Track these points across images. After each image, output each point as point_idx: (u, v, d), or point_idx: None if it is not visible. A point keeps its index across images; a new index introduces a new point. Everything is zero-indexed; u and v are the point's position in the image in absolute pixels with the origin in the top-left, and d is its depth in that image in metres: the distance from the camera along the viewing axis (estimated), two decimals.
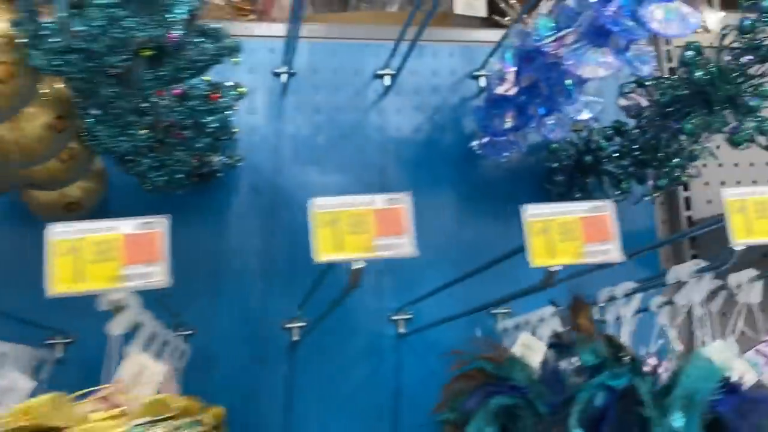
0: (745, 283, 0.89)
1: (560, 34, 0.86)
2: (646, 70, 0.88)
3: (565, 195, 1.23)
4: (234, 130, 0.98)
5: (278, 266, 1.18)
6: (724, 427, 0.71)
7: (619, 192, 1.16)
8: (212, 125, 0.88)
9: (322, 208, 0.67)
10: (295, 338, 1.16)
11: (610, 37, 0.84)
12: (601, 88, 1.12)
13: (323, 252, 0.66)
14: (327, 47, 1.27)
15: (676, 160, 1.02)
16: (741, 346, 0.95)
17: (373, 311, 1.21)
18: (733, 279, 0.91)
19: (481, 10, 1.36)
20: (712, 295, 0.97)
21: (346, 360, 1.18)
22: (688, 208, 1.33)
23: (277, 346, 1.15)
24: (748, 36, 0.82)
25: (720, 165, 1.38)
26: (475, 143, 1.17)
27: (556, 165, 1.21)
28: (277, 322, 1.15)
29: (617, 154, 1.11)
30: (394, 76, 1.23)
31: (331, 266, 0.69)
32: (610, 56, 0.85)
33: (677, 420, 0.68)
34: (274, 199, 1.19)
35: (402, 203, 0.69)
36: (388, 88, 1.26)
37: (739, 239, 0.71)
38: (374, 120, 1.26)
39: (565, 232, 0.72)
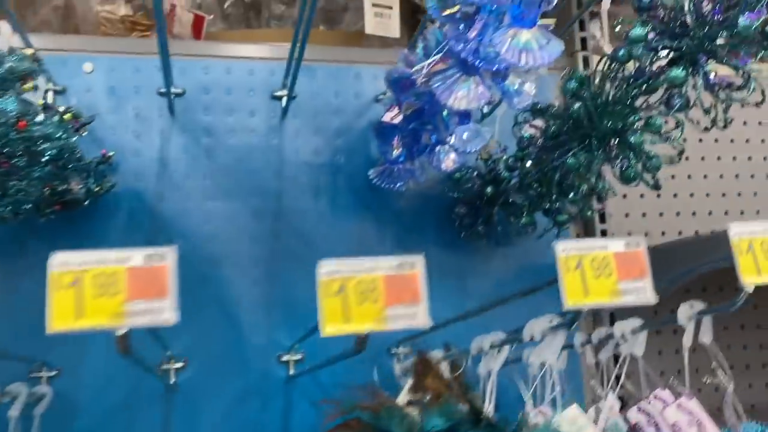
0: (629, 333, 0.82)
1: (429, 60, 0.79)
2: (521, 102, 0.80)
3: (469, 226, 1.16)
4: (78, 156, 0.90)
5: None
6: None
7: (522, 225, 1.09)
8: (48, 152, 0.80)
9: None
10: (172, 380, 1.07)
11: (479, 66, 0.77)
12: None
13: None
14: (222, 66, 1.19)
15: (571, 195, 0.94)
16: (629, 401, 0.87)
17: (261, 350, 1.12)
18: (618, 328, 0.84)
19: (394, 31, 1.28)
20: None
21: (229, 403, 1.10)
22: None
23: (152, 389, 1.06)
24: (624, 66, 0.74)
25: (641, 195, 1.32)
26: (371, 171, 1.09)
27: (459, 195, 1.14)
28: (153, 362, 1.06)
29: (519, 186, 1.04)
30: (290, 98, 1.15)
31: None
32: (481, 86, 0.78)
33: None
34: (154, 226, 1.11)
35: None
36: (285, 110, 1.18)
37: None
38: (270, 143, 1.18)
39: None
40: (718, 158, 1.37)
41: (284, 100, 1.17)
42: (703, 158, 1.37)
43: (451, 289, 1.18)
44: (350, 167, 1.20)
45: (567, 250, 0.63)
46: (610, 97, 0.78)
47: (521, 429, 0.68)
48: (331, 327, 0.59)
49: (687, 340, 0.74)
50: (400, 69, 0.85)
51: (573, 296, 0.62)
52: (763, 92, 0.68)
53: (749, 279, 0.60)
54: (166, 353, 1.06)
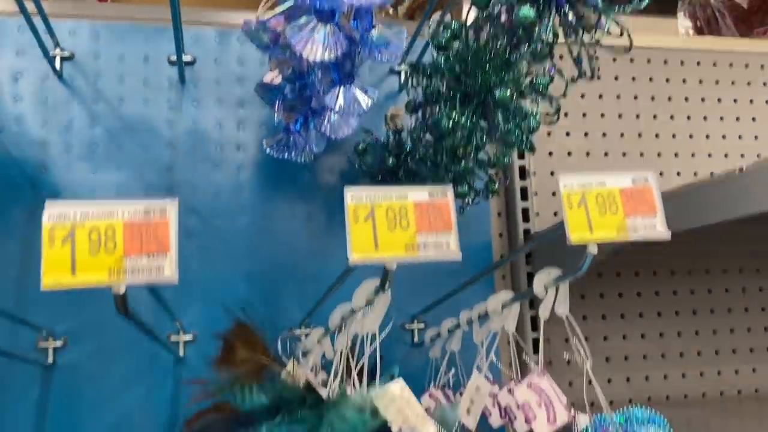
0: (499, 309, 0.75)
1: (282, 7, 0.72)
2: (389, 55, 0.73)
3: None
4: None
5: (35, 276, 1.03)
6: None
7: None
8: None
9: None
10: (50, 361, 1.00)
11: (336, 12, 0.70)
12: None
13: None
14: (114, 29, 1.12)
15: (463, 165, 0.87)
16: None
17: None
18: (491, 304, 0.77)
19: None
20: None
21: (114, 386, 1.03)
22: (525, 219, 1.18)
23: (26, 370, 1.00)
24: (487, 13, 0.67)
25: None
26: (265, 141, 1.02)
27: (364, 167, 1.07)
28: (29, 341, 1.00)
29: (417, 156, 0.97)
30: (183, 64, 1.08)
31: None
32: (340, 35, 0.71)
33: None
34: (37, 199, 1.04)
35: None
36: (182, 77, 1.11)
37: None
38: (164, 113, 1.11)
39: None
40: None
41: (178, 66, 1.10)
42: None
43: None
44: (252, 138, 1.13)
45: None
46: (484, 49, 0.71)
47: (338, 403, 0.61)
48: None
49: (544, 312, 0.68)
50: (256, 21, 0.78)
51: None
52: (629, 35, 0.61)
53: (577, 236, 0.53)
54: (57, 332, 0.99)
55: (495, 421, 0.81)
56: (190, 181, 1.10)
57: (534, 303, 1.13)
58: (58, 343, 1.02)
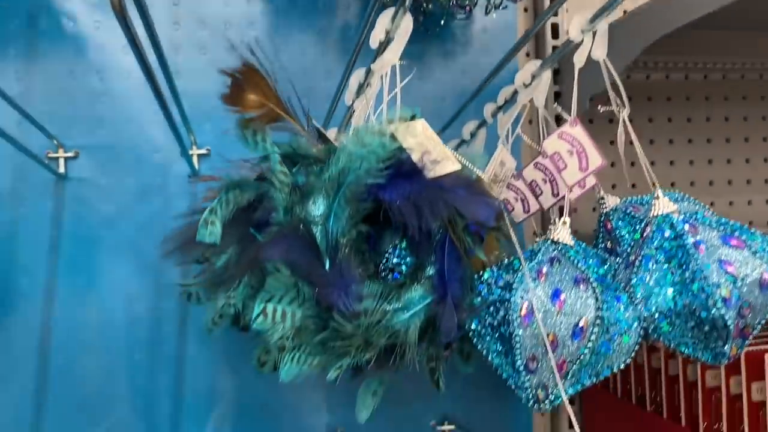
0: (528, 79, 0.70)
1: None
2: None
3: None
4: None
5: (42, 88, 0.99)
6: (390, 217, 0.53)
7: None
8: None
9: None
10: (61, 170, 0.98)
11: None
12: None
13: None
14: None
15: None
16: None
17: (162, 146, 1.02)
18: (519, 77, 0.71)
19: None
20: None
21: (130, 199, 1.01)
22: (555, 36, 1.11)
23: (39, 181, 0.98)
24: None
25: None
26: None
27: None
28: (39, 152, 0.97)
29: None
30: None
31: None
32: None
33: (318, 206, 0.50)
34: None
35: None
36: None
37: None
38: None
39: None
40: None
41: None
42: None
43: None
44: None
45: None
46: None
47: (355, 132, 0.57)
48: None
49: (579, 58, 0.62)
50: None
51: None
52: None
53: None
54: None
55: (518, 214, 0.77)
56: None
57: (558, 76, 1.06)
58: (70, 154, 0.99)
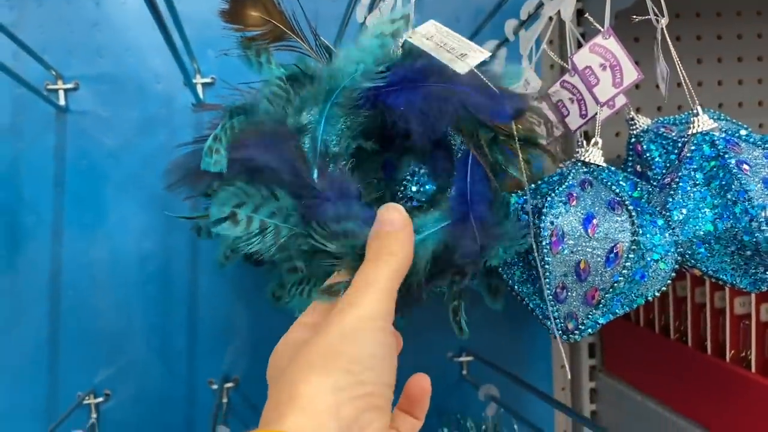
0: None
1: None
2: None
3: None
4: None
5: (35, 20, 0.94)
6: (399, 126, 0.49)
7: None
8: None
9: None
10: (62, 103, 0.94)
11: None
12: None
13: None
14: None
15: None
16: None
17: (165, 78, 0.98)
18: None
19: None
20: None
21: (133, 132, 0.97)
22: None
23: (39, 114, 0.94)
24: None
25: None
26: None
27: None
28: (38, 84, 0.93)
29: None
30: None
31: None
32: None
33: (310, 115, 0.46)
34: None
35: None
36: None
37: None
38: None
39: None
40: None
41: None
42: None
43: None
44: None
45: None
46: None
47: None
48: None
49: None
50: None
51: None
52: None
53: None
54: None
55: (574, 120, 0.72)
56: None
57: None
58: (70, 85, 0.95)
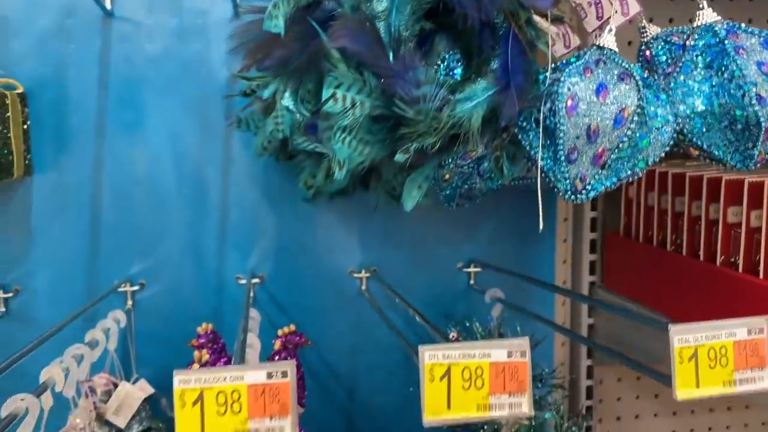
0: None
1: None
2: None
3: None
4: None
5: None
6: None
7: None
8: None
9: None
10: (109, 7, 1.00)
11: None
12: None
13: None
14: None
15: None
16: None
17: None
18: None
19: None
20: None
21: (173, 42, 1.03)
22: None
23: (84, 20, 1.00)
24: None
25: None
26: None
27: None
28: None
29: None
30: None
31: None
32: None
33: (381, 3, 0.53)
34: None
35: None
36: None
37: None
38: None
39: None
40: None
41: None
42: None
43: None
44: None
45: None
46: None
47: None
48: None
49: None
50: None
51: None
52: None
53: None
54: None
55: (591, 21, 0.77)
56: None
57: None
58: None
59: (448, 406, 0.52)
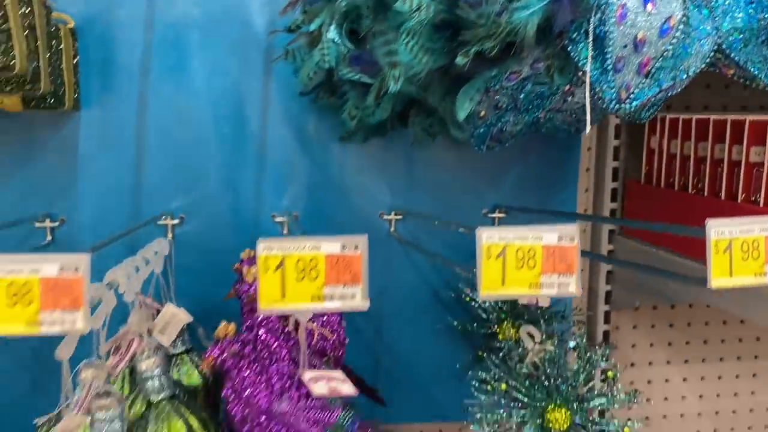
0: None
1: None
2: None
3: None
4: None
5: None
6: None
7: None
8: None
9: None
10: None
11: None
12: None
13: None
14: None
15: None
16: None
17: None
18: None
19: None
20: None
21: None
22: None
23: None
24: None
25: None
26: None
27: None
28: None
29: None
30: None
31: None
32: None
33: None
34: None
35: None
36: None
37: None
38: None
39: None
40: None
41: None
42: None
43: None
44: None
45: None
46: None
47: None
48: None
49: None
50: None
51: None
52: None
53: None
54: None
55: None
56: None
57: None
58: None
59: (503, 283, 0.56)
